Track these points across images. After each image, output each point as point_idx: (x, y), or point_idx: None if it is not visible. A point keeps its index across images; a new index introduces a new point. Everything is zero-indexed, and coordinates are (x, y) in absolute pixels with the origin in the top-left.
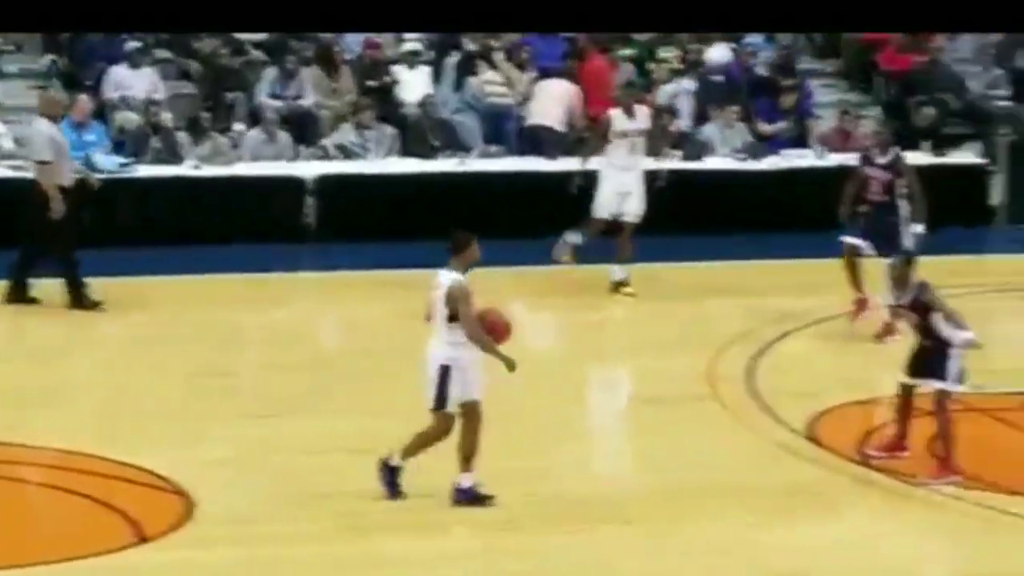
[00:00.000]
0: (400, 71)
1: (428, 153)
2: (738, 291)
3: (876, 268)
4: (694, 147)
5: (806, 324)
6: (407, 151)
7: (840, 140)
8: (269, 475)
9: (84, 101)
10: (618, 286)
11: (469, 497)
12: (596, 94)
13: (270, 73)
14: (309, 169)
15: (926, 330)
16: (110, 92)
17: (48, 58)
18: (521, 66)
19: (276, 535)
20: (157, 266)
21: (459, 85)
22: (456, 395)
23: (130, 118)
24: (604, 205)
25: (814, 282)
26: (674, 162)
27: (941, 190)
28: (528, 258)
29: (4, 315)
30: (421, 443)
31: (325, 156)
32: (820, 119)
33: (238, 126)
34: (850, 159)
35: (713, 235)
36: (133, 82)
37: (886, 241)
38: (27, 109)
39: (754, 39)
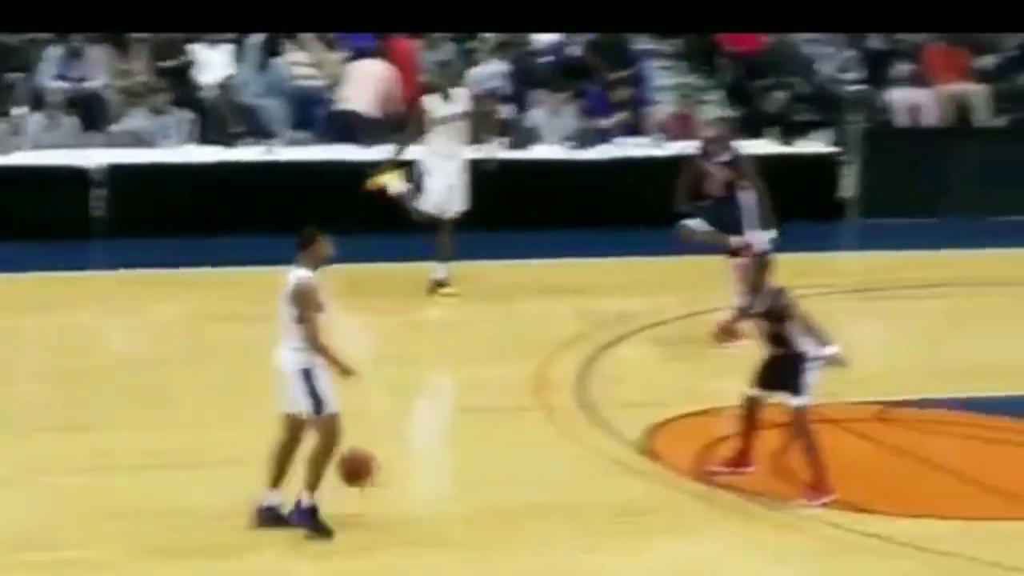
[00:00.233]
0: (198, 50)
1: (229, 140)
2: (568, 291)
3: (721, 267)
4: (520, 135)
5: (642, 328)
6: (206, 138)
7: (680, 127)
8: (50, 495)
9: None
10: (437, 286)
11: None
12: (405, 76)
13: (54, 52)
14: (97, 158)
15: (779, 340)
16: None
17: None
18: (331, 46)
19: (62, 562)
20: None
21: (263, 66)
22: (328, 393)
23: None
24: (432, 199)
25: (651, 282)
26: (499, 151)
27: (789, 182)
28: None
29: None
30: (318, 465)
31: (115, 144)
32: (658, 104)
33: (18, 110)
34: (690, 147)
35: (541, 230)
36: None
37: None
38: None
39: None
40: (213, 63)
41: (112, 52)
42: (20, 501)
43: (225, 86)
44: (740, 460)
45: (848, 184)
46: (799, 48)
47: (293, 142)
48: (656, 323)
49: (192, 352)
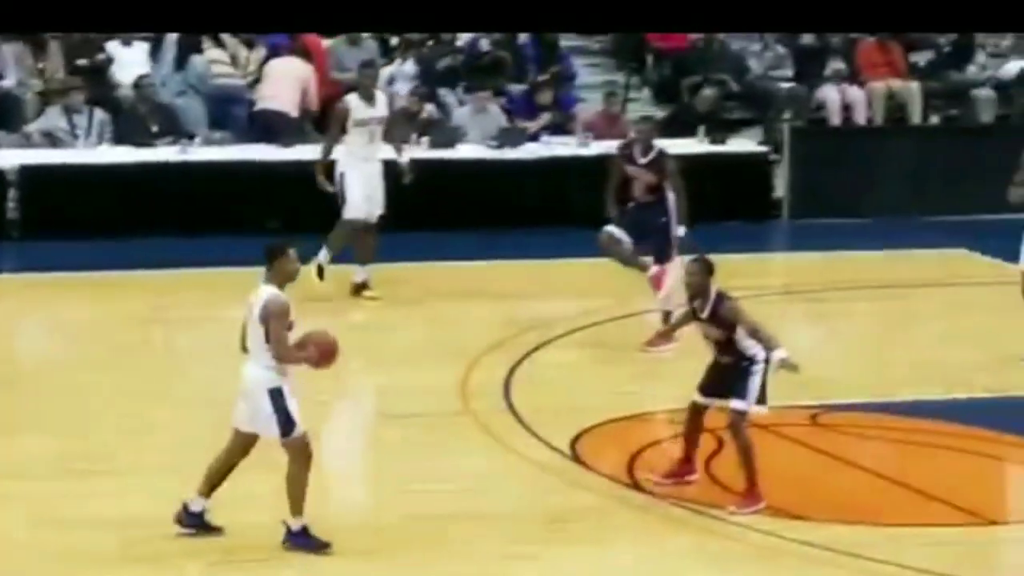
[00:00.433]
0: (114, 48)
1: (145, 140)
2: (494, 294)
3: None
4: (443, 134)
5: (570, 331)
6: (122, 138)
7: (607, 126)
8: None
9: None
10: (359, 289)
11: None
12: (319, 74)
13: None
14: (10, 158)
15: (724, 345)
16: None
17: None
18: (250, 43)
19: None
20: None
21: (181, 64)
22: (296, 413)
23: None
24: (359, 205)
25: (580, 284)
26: (421, 150)
27: (719, 181)
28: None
29: None
30: (297, 488)
31: (29, 143)
32: (584, 102)
33: None
34: (614, 147)
35: (465, 232)
36: None
37: (654, 244)
38: None
39: None
40: (129, 61)
41: (26, 50)
42: None
43: (141, 85)
44: (683, 469)
45: (780, 183)
46: (729, 45)
47: (211, 141)
48: (584, 326)
49: (107, 355)
